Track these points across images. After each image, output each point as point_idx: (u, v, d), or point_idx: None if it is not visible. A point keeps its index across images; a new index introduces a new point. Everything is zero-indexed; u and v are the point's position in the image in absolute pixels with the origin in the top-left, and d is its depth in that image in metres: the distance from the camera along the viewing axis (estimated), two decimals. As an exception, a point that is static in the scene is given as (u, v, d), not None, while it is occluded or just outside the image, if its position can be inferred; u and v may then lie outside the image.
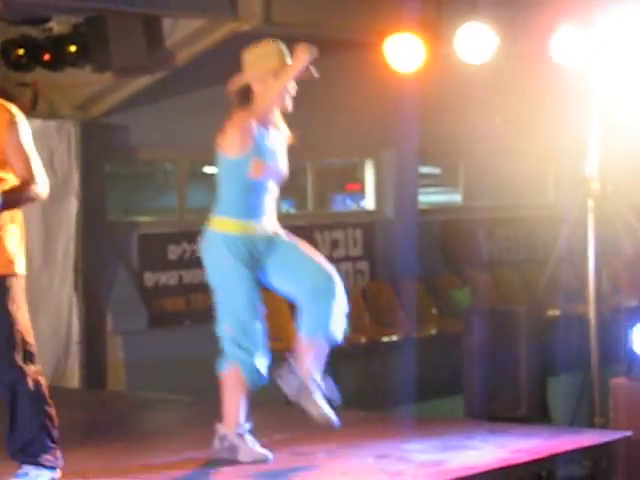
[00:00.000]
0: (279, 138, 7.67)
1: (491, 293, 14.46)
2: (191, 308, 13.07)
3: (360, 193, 15.46)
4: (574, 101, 9.94)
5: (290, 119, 12.11)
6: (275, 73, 7.42)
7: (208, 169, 14.22)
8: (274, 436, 8.31)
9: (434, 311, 14.09)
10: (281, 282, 7.65)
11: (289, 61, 7.54)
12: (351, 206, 15.72)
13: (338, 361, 12.39)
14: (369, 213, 15.10)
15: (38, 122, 11.25)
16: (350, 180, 15.75)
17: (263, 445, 7.66)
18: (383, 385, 12.19)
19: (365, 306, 13.98)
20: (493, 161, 14.69)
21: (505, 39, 10.16)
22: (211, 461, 7.72)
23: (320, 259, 7.67)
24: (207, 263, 7.63)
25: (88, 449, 8.19)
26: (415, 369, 11.63)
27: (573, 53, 9.75)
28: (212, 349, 11.28)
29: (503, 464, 7.66)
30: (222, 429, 7.60)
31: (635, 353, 9.35)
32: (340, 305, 7.54)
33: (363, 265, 14.60)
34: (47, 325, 11.58)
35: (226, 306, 7.65)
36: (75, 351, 11.68)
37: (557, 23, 9.75)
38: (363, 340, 13.31)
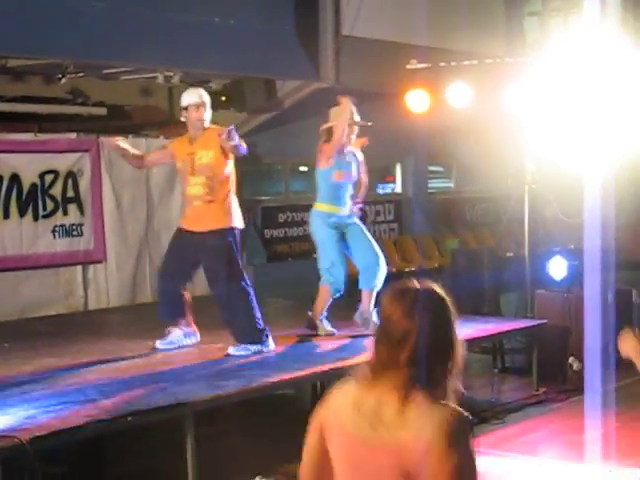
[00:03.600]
0: (352, 157, 8.19)
1: (471, 242, 14.49)
2: (292, 251, 13.19)
3: (393, 182, 15.53)
4: (517, 130, 9.90)
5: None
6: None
7: (302, 168, 14.75)
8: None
9: (436, 253, 14.12)
10: (349, 250, 8.26)
11: (355, 116, 8.04)
12: (387, 190, 15.71)
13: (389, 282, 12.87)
14: (398, 194, 15.17)
15: None
16: (387, 174, 15.69)
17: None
18: None
19: (395, 250, 14.00)
20: (473, 162, 14.85)
21: (476, 93, 10.12)
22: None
23: (373, 243, 8.26)
24: (312, 229, 8.23)
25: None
26: None
27: (516, 103, 9.62)
28: (304, 275, 11.92)
29: (471, 337, 7.98)
30: (311, 314, 8.25)
31: (550, 275, 9.61)
32: (381, 272, 8.18)
33: (394, 225, 14.71)
34: None
35: (323, 252, 8.18)
36: None
37: (506, 84, 9.68)
38: (394, 270, 13.03)
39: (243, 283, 7.20)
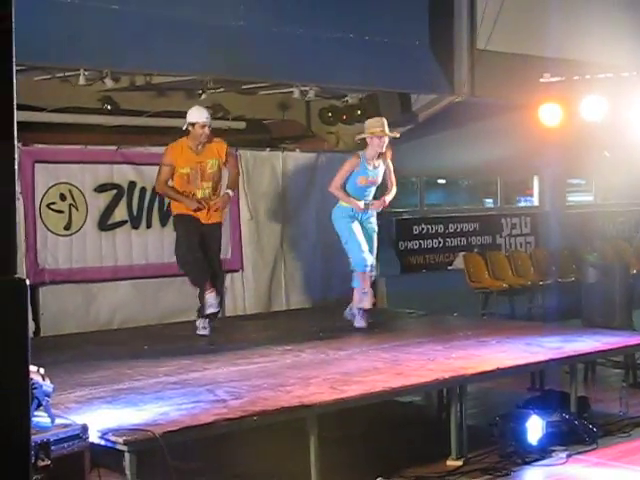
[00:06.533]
0: (379, 166, 9.12)
1: (609, 256, 14.17)
2: (426, 262, 13.33)
3: (531, 196, 15.55)
4: None
5: (486, 153, 12.64)
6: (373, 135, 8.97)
7: (440, 180, 14.92)
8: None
9: (573, 266, 13.87)
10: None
11: (386, 129, 8.97)
12: (524, 203, 15.65)
13: (512, 296, 13.00)
14: (535, 207, 15.16)
15: (340, 154, 11.56)
16: (526, 187, 15.63)
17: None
18: (537, 309, 12.56)
19: (530, 263, 13.88)
20: (612, 176, 14.79)
21: (611, 106, 10.14)
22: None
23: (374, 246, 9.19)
24: (335, 222, 9.15)
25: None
26: (560, 301, 12.07)
27: None
28: (434, 286, 12.05)
29: (597, 349, 8.12)
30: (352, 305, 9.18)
31: None
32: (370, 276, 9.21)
33: (531, 239, 14.67)
34: (342, 270, 11.85)
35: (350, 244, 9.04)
36: None
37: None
38: (528, 283, 13.31)
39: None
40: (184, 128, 8.74)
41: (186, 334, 9.02)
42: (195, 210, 8.73)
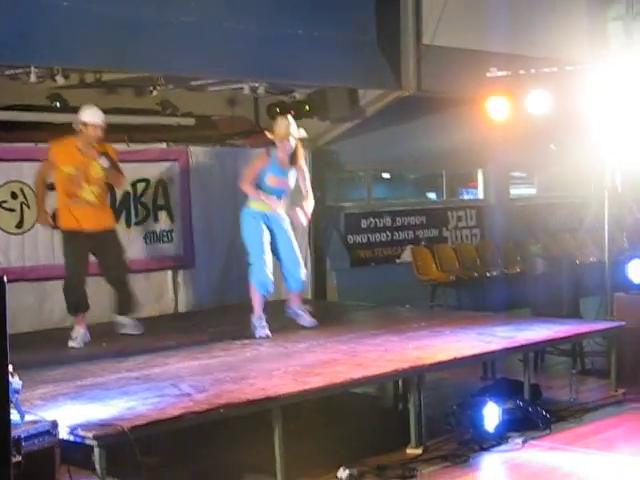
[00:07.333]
0: (291, 170, 8.66)
1: (552, 248, 14.34)
2: (374, 256, 13.41)
3: (475, 188, 15.60)
4: (598, 136, 9.91)
5: (433, 146, 12.79)
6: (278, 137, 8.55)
7: (384, 174, 14.99)
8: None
9: (518, 258, 14.09)
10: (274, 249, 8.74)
11: (291, 130, 8.51)
12: (467, 196, 15.78)
13: (459, 288, 13.16)
14: (480, 200, 15.29)
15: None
16: (470, 180, 15.71)
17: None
18: (484, 300, 12.65)
19: (477, 255, 14.10)
20: (555, 169, 14.99)
21: (556, 99, 10.29)
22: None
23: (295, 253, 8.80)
24: (244, 228, 8.69)
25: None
26: (504, 294, 12.21)
27: (597, 109, 9.61)
28: (383, 279, 12.13)
29: (549, 338, 8.34)
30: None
31: (629, 279, 9.63)
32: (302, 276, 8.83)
33: (476, 231, 14.84)
34: None
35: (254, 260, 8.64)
36: (309, 279, 11.73)
37: (587, 90, 9.71)
38: (475, 275, 13.44)
39: None
40: (75, 127, 8.55)
41: (142, 331, 9.03)
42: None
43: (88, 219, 8.55)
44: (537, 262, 10.92)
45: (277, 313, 9.02)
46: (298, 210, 8.59)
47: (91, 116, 8.51)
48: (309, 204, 8.68)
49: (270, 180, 8.57)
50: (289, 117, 8.75)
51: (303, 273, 8.87)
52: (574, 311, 10.10)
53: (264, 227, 8.59)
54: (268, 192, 8.59)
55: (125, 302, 8.99)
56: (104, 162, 8.56)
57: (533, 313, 10.23)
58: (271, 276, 8.60)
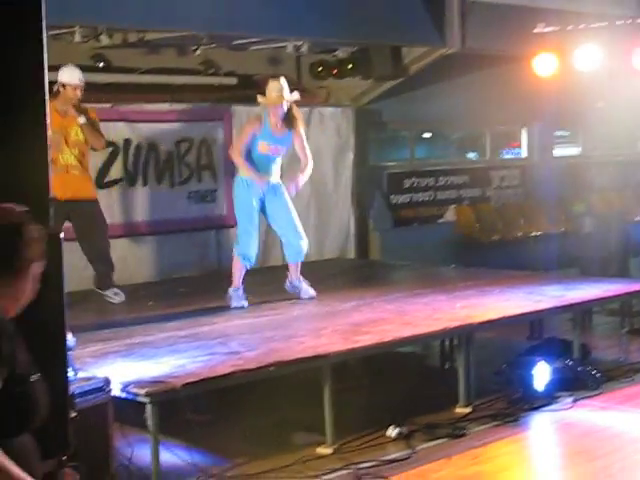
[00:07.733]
0: (286, 135, 8.06)
1: (598, 207, 14.04)
2: (417, 216, 13.29)
3: (519, 148, 15.38)
4: None
5: (477, 105, 12.63)
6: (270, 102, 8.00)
7: (426, 134, 14.89)
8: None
9: (563, 217, 13.93)
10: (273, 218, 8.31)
11: (284, 93, 8.00)
12: (509, 155, 15.59)
13: (503, 247, 13.02)
14: (523, 159, 15.10)
15: (331, 109, 12.01)
16: (513, 140, 15.46)
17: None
18: (529, 260, 12.51)
19: (521, 215, 13.97)
20: (601, 127, 14.66)
21: (605, 55, 10.12)
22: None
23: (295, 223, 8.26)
24: (236, 199, 8.22)
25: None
26: (552, 251, 12.15)
27: None
28: (426, 238, 12.04)
29: (598, 297, 8.32)
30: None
31: None
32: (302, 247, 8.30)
33: (520, 190, 14.59)
34: (336, 224, 11.97)
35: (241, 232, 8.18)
36: (352, 239, 12.11)
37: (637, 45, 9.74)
38: (519, 234, 13.42)
39: None
40: (54, 89, 8.10)
41: (188, 290, 9.06)
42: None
43: (66, 188, 7.97)
44: (584, 221, 10.85)
45: (322, 271, 8.96)
46: (290, 182, 8.16)
47: (70, 76, 8.19)
48: (305, 174, 8.18)
49: (261, 147, 8.04)
50: (281, 80, 8.18)
51: (304, 243, 8.33)
52: (623, 270, 10.00)
53: (256, 198, 8.12)
54: (258, 160, 8.10)
55: (105, 277, 8.56)
56: (81, 119, 8.20)
57: (582, 271, 10.16)
58: (256, 248, 8.20)
